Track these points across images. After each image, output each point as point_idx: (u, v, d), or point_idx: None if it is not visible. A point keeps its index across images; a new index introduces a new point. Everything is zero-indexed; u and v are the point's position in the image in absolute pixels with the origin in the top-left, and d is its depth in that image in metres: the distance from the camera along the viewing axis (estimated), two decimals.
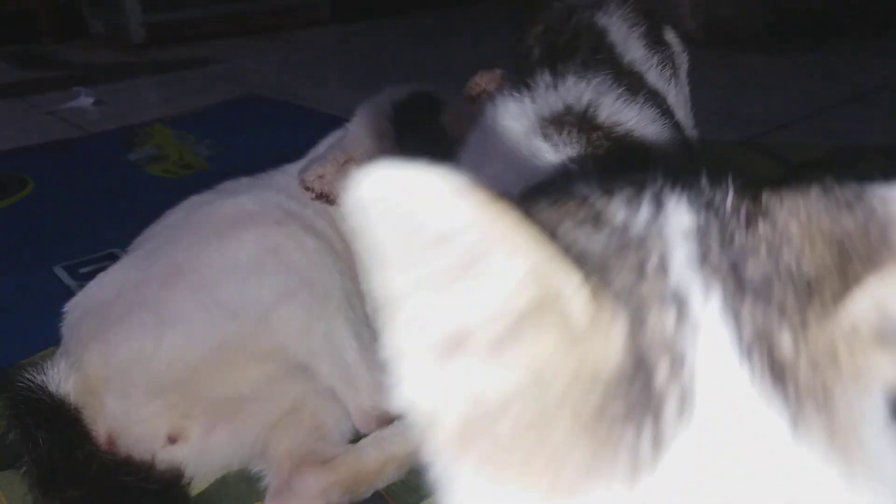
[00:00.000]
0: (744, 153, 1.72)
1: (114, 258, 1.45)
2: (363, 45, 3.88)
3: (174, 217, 0.99)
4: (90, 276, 1.39)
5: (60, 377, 0.81)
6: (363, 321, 0.93)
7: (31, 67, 3.48)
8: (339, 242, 0.97)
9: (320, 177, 0.87)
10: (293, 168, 1.10)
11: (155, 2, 3.66)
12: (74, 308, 0.92)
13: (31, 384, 0.80)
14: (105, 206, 1.75)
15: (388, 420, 0.90)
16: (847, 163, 1.69)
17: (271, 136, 2.27)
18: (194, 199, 1.01)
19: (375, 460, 0.86)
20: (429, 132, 0.94)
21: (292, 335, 0.88)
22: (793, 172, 1.65)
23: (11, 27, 3.91)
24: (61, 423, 0.78)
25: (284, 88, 2.87)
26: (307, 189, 0.88)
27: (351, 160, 0.91)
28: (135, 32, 3.64)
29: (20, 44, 3.91)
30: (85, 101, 2.66)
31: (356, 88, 2.89)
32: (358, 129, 0.95)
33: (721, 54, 3.16)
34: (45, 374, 0.81)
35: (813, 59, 3.01)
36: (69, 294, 1.33)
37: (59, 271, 1.43)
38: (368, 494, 0.85)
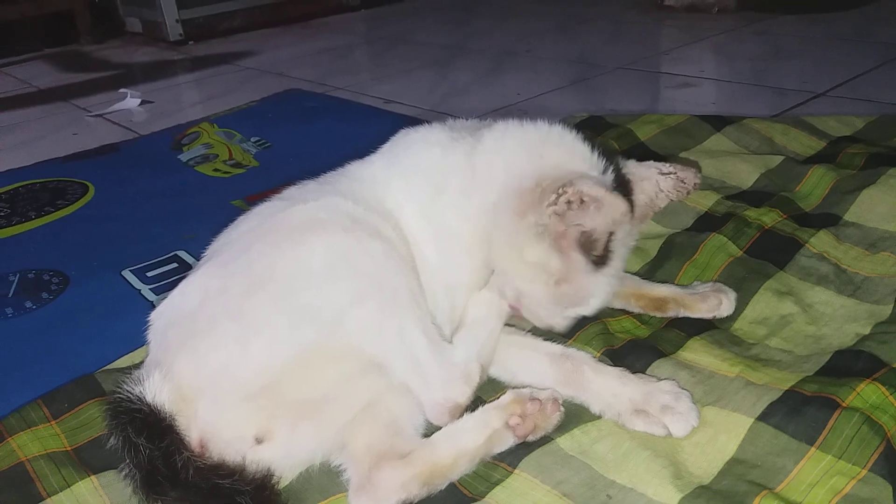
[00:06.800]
0: (785, 130, 1.72)
1: (178, 260, 1.52)
2: (392, 30, 3.90)
3: (248, 224, 1.02)
4: (158, 278, 1.46)
5: (156, 387, 0.86)
6: (428, 319, 0.97)
7: (72, 69, 3.55)
8: (402, 246, 1.01)
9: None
10: (355, 170, 1.13)
11: None
12: (159, 317, 0.96)
13: (130, 394, 0.85)
14: (162, 208, 1.82)
15: (459, 411, 0.95)
16: (886, 134, 1.69)
17: (314, 129, 2.32)
18: (266, 206, 1.05)
19: (449, 454, 0.91)
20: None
21: (366, 335, 0.91)
22: (833, 147, 1.66)
23: (50, 29, 4.00)
24: (159, 430, 0.83)
25: (321, 79, 2.92)
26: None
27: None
28: (171, 29, 3.71)
29: (59, 45, 4.00)
30: (131, 102, 2.73)
31: (387, 77, 2.94)
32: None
33: (753, 19, 3.14)
34: (141, 384, 0.86)
35: (848, 19, 2.98)
36: (140, 297, 1.41)
37: (128, 275, 1.49)
38: (444, 486, 0.90)
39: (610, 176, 0.99)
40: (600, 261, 0.97)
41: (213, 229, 1.07)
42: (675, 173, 1.01)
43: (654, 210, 1.05)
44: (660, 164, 1.02)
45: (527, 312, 1.04)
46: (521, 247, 0.98)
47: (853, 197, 1.36)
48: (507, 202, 0.98)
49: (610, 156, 1.02)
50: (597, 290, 1.00)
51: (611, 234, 0.97)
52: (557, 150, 1.02)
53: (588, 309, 1.03)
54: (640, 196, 1.02)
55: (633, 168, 1.04)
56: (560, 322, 1.04)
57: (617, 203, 0.92)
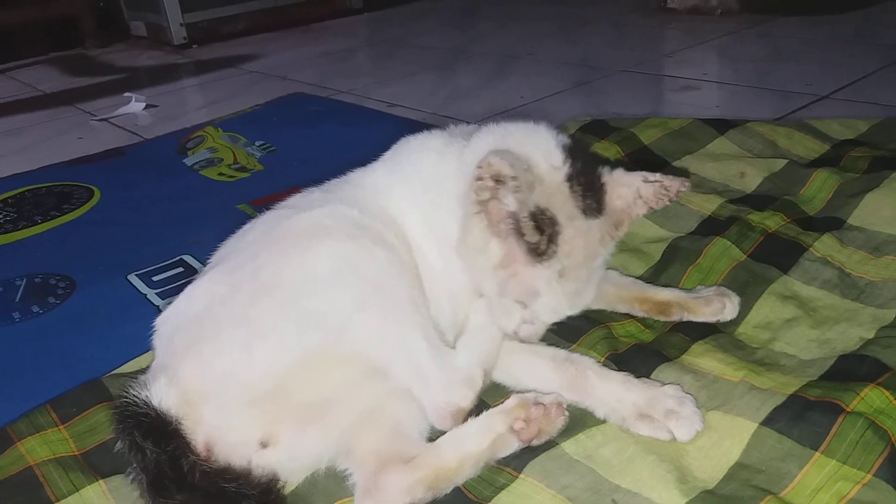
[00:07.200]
0: (789, 134, 1.72)
1: (183, 264, 1.53)
2: (395, 33, 3.91)
3: (254, 232, 1.03)
4: (163, 283, 1.47)
5: (162, 392, 0.86)
6: (431, 324, 0.98)
7: (77, 73, 3.57)
8: (405, 252, 1.02)
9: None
10: (358, 177, 1.14)
11: (193, 2, 3.73)
12: (165, 322, 0.97)
13: (137, 399, 0.86)
14: (167, 212, 1.83)
15: (462, 415, 0.95)
16: (890, 137, 1.69)
17: (318, 133, 2.33)
18: (271, 214, 1.06)
19: (454, 458, 0.91)
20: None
21: (370, 340, 0.92)
22: (837, 150, 1.66)
23: (54, 33, 4.02)
24: (165, 435, 0.84)
25: (323, 83, 2.92)
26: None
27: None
28: (175, 33, 3.72)
29: (64, 49, 4.02)
30: (136, 106, 2.74)
31: (390, 80, 2.95)
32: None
33: (756, 22, 3.14)
34: (148, 389, 0.87)
35: (851, 21, 2.98)
36: (146, 301, 1.41)
37: (134, 279, 1.50)
38: (449, 490, 0.90)
39: (565, 169, 0.97)
40: (536, 249, 0.94)
41: (218, 233, 1.08)
42: (660, 182, 0.99)
43: (632, 217, 1.01)
44: (647, 174, 1.00)
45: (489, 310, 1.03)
46: (468, 230, 0.98)
47: (857, 200, 1.36)
48: (469, 189, 0.96)
49: (580, 156, 1.00)
50: (542, 287, 0.97)
51: (553, 226, 0.95)
52: (521, 141, 1.01)
53: (538, 309, 0.99)
54: (616, 202, 1.00)
55: (616, 175, 1.01)
56: (525, 328, 1.01)
57: (504, 168, 0.90)
